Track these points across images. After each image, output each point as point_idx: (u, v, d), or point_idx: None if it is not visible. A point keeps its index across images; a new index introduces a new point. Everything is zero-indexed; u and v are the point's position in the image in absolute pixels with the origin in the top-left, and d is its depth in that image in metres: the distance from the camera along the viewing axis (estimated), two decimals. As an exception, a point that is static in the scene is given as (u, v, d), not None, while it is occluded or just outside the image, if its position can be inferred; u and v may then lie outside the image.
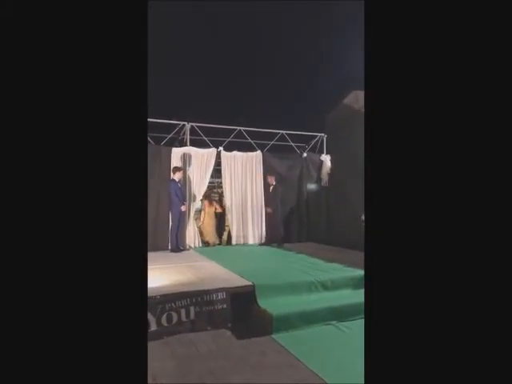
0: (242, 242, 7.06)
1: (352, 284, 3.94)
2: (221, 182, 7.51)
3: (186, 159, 6.70)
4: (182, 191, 6.31)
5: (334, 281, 3.90)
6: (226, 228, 7.82)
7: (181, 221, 6.20)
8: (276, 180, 6.85)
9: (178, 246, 6.14)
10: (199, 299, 3.35)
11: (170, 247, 6.17)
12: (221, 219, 7.64)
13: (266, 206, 6.82)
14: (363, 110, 6.36)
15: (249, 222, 7.12)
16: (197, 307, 3.32)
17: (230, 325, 3.35)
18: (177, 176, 6.16)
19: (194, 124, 7.07)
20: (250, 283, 3.62)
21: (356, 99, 8.23)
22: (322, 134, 8.20)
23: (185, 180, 6.63)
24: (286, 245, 6.54)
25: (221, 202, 7.72)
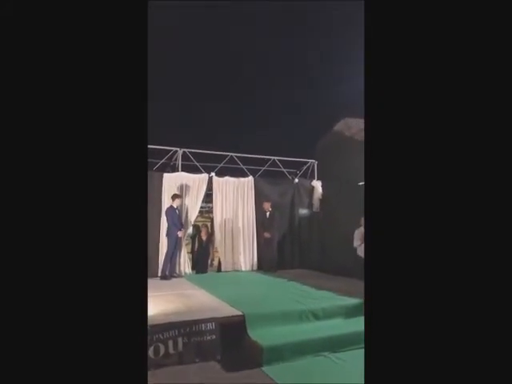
0: (232, 269, 6.96)
1: (344, 313, 3.88)
2: (211, 207, 7.48)
3: (184, 189, 6.69)
4: (180, 218, 6.29)
5: (326, 310, 3.84)
6: (216, 254, 7.72)
7: (176, 248, 6.14)
8: (272, 206, 6.87)
9: (170, 273, 6.03)
10: (187, 330, 3.25)
11: (160, 274, 6.04)
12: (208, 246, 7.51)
13: (264, 231, 6.77)
14: (355, 136, 6.47)
15: (240, 248, 7.05)
16: (185, 338, 3.22)
17: (219, 357, 3.25)
18: (176, 203, 6.16)
19: (186, 150, 7.12)
20: (240, 313, 3.54)
21: (347, 126, 8.43)
22: (313, 161, 8.30)
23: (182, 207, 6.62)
24: (278, 271, 6.47)
25: (211, 227, 7.65)
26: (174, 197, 6.20)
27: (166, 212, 6.11)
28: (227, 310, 3.68)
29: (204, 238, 7.28)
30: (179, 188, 6.65)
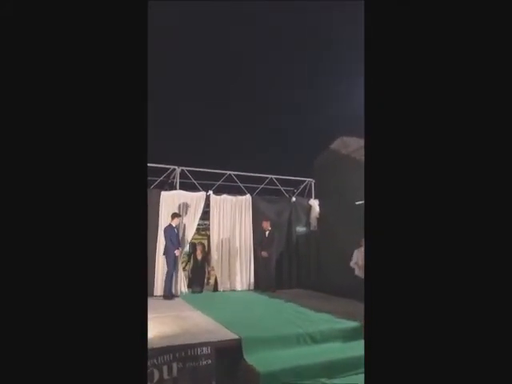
0: (228, 288, 6.86)
1: (342, 336, 3.81)
2: (208, 224, 7.42)
3: (182, 208, 6.65)
4: (178, 237, 6.23)
5: (324, 333, 3.77)
6: (213, 273, 7.61)
7: (174, 267, 6.06)
8: (271, 225, 6.83)
9: (172, 293, 5.96)
10: (183, 354, 3.18)
11: (162, 294, 5.94)
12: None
13: (262, 250, 6.71)
14: (352, 155, 6.44)
15: (237, 267, 6.97)
16: (180, 363, 3.14)
17: (214, 383, 3.17)
18: (175, 222, 6.14)
19: (184, 168, 7.13)
20: (237, 336, 3.48)
21: (343, 145, 8.49)
22: (311, 179, 8.32)
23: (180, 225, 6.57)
24: (275, 291, 6.40)
25: (208, 245, 7.57)
26: (174, 216, 6.16)
27: (165, 231, 6.05)
28: (223, 334, 3.61)
29: (199, 257, 7.14)
30: (177, 206, 6.62)
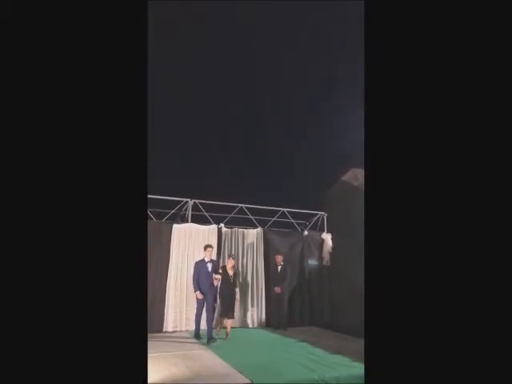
0: (239, 325, 6.65)
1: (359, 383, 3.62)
2: (219, 257, 7.29)
3: (195, 240, 6.48)
4: (211, 273, 5.44)
5: (340, 379, 3.59)
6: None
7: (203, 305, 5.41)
8: (284, 259, 6.68)
9: (209, 336, 5.20)
10: (193, 401, 3.05)
11: (194, 335, 5.52)
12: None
13: (274, 285, 6.52)
14: (362, 187, 6.40)
15: (248, 303, 6.80)
16: (189, 410, 3.01)
17: (225, 433, 3.01)
18: (207, 255, 5.48)
19: (196, 200, 7.16)
20: (249, 381, 3.33)
21: (354, 176, 8.44)
22: (323, 213, 8.24)
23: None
24: (288, 329, 6.20)
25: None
26: (206, 247, 5.55)
27: (196, 265, 5.47)
28: (235, 378, 3.46)
29: (231, 272, 5.85)
30: (189, 239, 6.54)
